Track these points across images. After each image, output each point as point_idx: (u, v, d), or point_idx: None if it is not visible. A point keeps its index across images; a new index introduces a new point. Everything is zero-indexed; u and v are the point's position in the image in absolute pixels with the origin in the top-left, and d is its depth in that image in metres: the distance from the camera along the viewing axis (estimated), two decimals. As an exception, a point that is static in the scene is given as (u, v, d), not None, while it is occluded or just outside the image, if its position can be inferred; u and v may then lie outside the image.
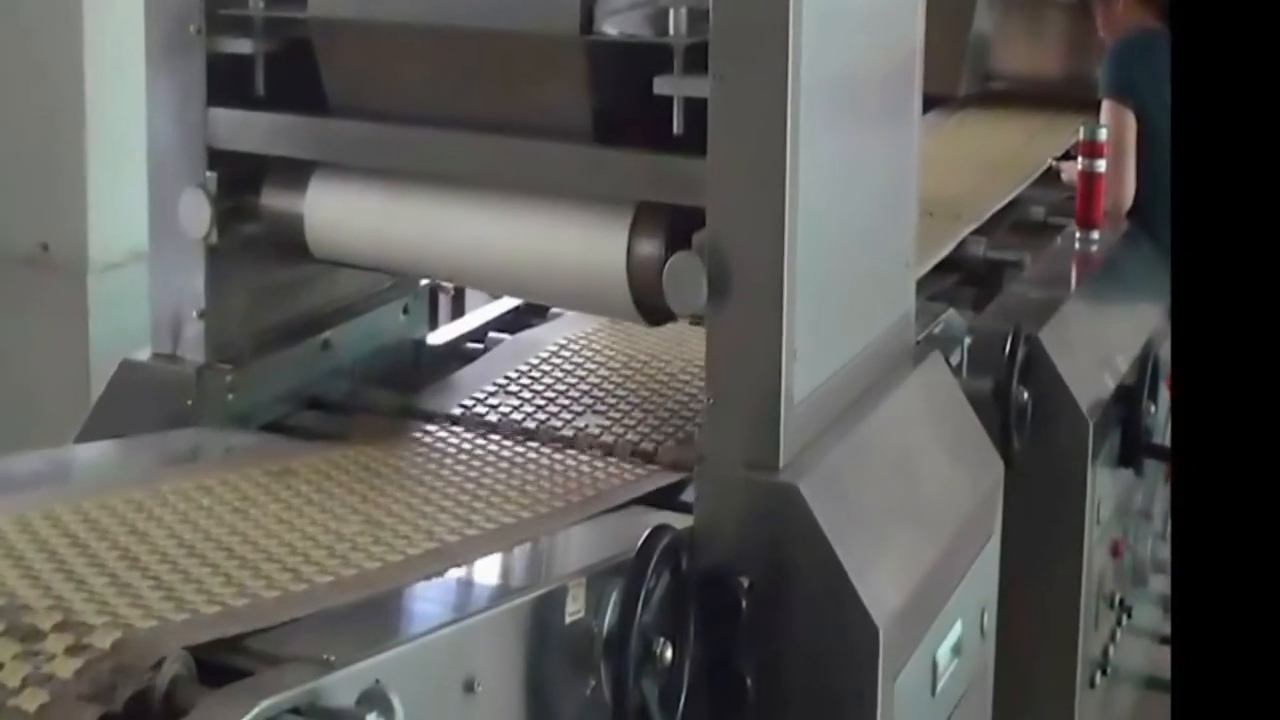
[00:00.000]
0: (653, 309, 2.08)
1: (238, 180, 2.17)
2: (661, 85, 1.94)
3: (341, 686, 1.39)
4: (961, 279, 3.07)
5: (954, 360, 2.52)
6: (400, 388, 2.35)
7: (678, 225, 1.99)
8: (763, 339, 1.90)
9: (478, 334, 2.61)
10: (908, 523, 2.06)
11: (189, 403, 2.13)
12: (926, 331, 2.49)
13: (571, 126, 2.03)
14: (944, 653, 2.05)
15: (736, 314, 1.91)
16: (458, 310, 2.86)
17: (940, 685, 2.03)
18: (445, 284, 2.61)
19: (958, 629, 2.10)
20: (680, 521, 1.87)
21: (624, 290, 2.06)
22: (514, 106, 2.06)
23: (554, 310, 2.68)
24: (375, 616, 1.62)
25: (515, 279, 2.20)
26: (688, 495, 2.02)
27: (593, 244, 2.06)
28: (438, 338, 2.57)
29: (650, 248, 2.02)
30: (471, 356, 2.52)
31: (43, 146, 3.09)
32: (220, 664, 1.43)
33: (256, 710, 1.31)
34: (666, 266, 1.94)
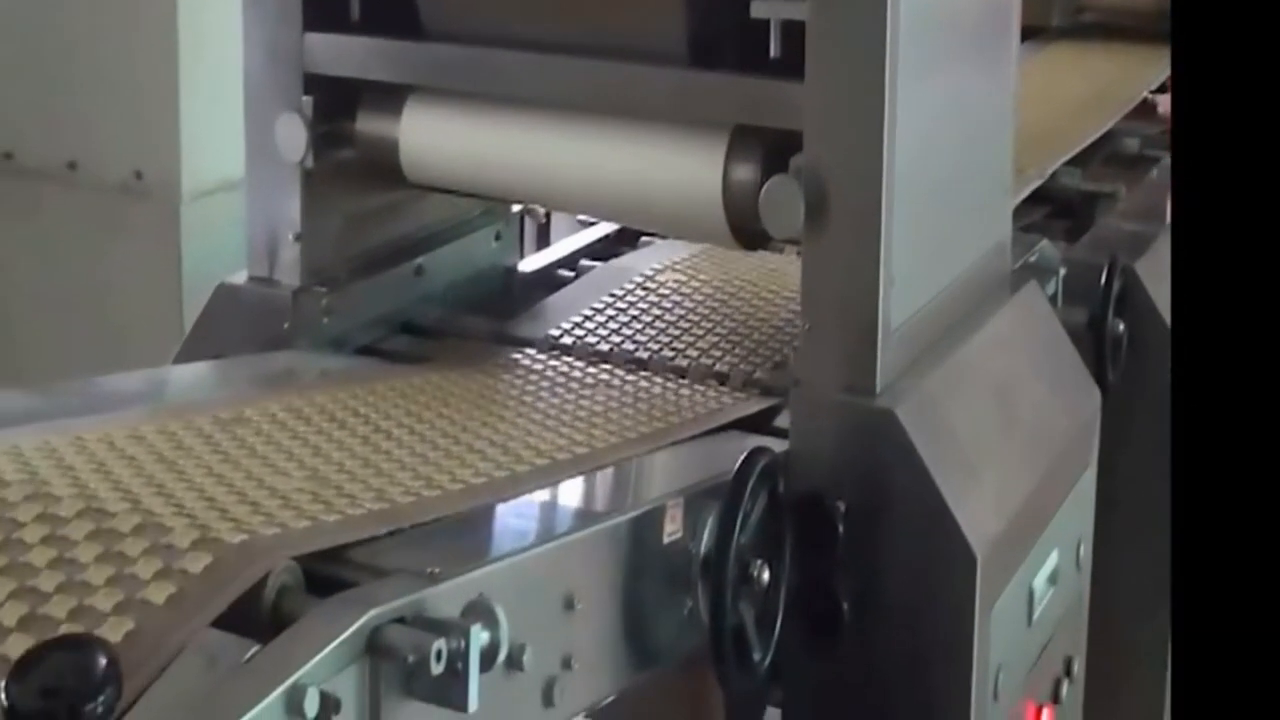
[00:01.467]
0: (748, 233, 2.06)
1: (333, 105, 2.17)
2: (759, 8, 1.92)
3: (446, 598, 1.40)
4: (1054, 211, 3.04)
5: (1048, 291, 2.49)
6: (491, 314, 2.35)
7: (774, 149, 1.97)
8: (860, 263, 1.89)
9: (568, 261, 2.60)
10: (1005, 450, 2.04)
11: (285, 325, 2.13)
12: (1021, 262, 2.46)
13: (667, 50, 2.01)
14: (1040, 582, 2.03)
15: (834, 238, 1.89)
16: (543, 240, 2.84)
17: (1036, 615, 2.02)
18: (537, 211, 2.59)
19: (1054, 559, 2.08)
20: (774, 447, 1.86)
21: (719, 214, 2.05)
22: (609, 30, 2.05)
23: (644, 238, 2.68)
24: (474, 533, 1.63)
25: (609, 203, 2.19)
26: (780, 421, 2.02)
27: (688, 168, 2.04)
28: (528, 265, 2.56)
29: (746, 172, 2.01)
30: (562, 284, 2.51)
31: (136, 76, 3.11)
32: (324, 576, 1.44)
33: (364, 619, 1.32)
34: (763, 190, 1.92)
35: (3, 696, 1.07)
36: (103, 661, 1.10)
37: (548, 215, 2.74)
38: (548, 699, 1.54)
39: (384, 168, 2.22)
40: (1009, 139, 2.29)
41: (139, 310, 3.02)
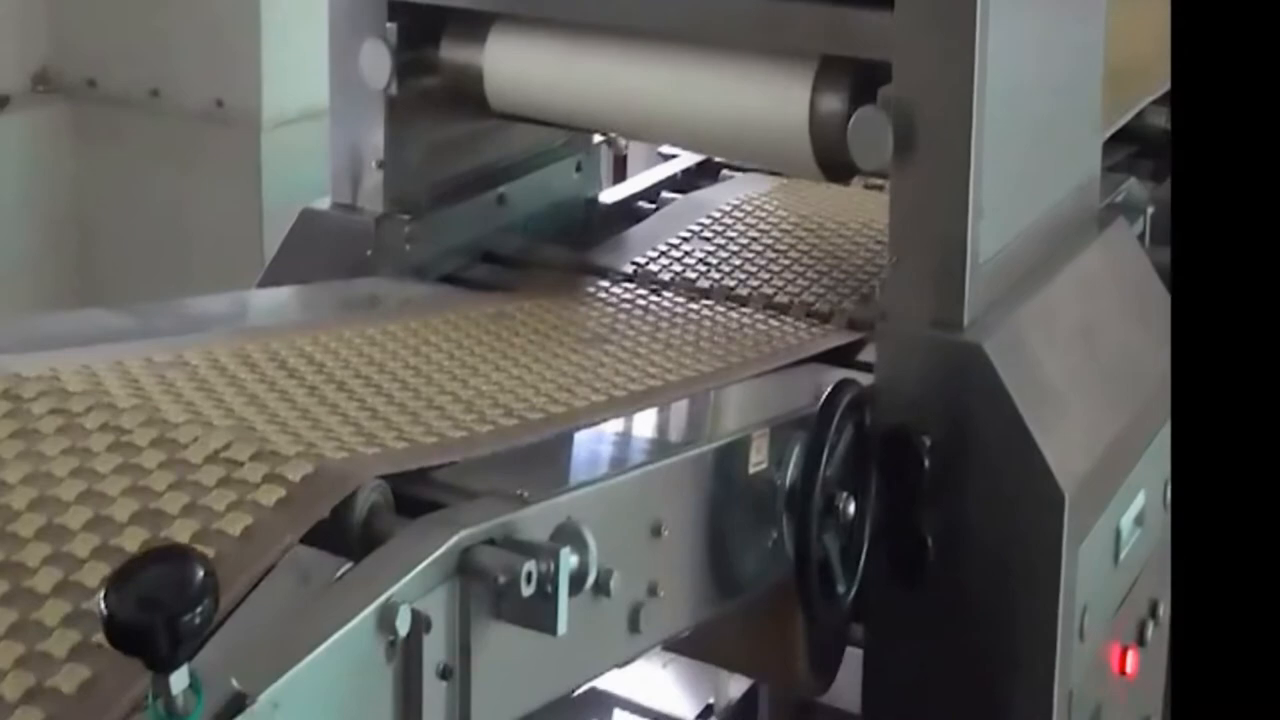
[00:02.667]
0: (834, 165, 2.04)
1: (417, 32, 2.16)
2: (848, -63, 1.89)
3: (535, 521, 1.39)
4: (1142, 149, 2.98)
5: (1136, 230, 2.46)
6: (572, 244, 2.35)
7: (862, 80, 1.94)
8: (949, 195, 1.86)
9: (649, 194, 2.59)
10: (1093, 389, 2.01)
11: (368, 252, 2.13)
12: (1109, 200, 2.42)
13: (756, -23, 1.99)
14: (1127, 522, 2.01)
15: (923, 170, 1.86)
16: (619, 174, 2.82)
17: (1123, 555, 1.99)
18: (618, 143, 2.57)
19: (1141, 499, 2.05)
20: (859, 381, 1.84)
21: (805, 146, 2.02)
22: (697, -44, 2.03)
23: (725, 172, 2.65)
24: (561, 459, 1.63)
25: (695, 133, 2.17)
26: (865, 355, 2.00)
27: (775, 98, 2.02)
28: (608, 197, 2.55)
29: (833, 102, 1.98)
30: (642, 216, 2.49)
31: (219, 4, 3.11)
32: (413, 496, 1.43)
33: (454, 540, 1.31)
34: (851, 121, 1.90)
35: (102, 606, 1.08)
36: (200, 574, 1.10)
37: (625, 148, 2.72)
38: (633, 625, 1.54)
39: (467, 96, 2.20)
40: (1098, 75, 2.25)
41: (219, 238, 3.04)
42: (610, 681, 2.40)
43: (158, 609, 1.07)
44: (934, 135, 1.85)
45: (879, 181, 2.47)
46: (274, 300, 2.06)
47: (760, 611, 1.88)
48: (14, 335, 1.73)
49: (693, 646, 2.12)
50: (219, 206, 3.08)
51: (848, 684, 2.16)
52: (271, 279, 2.12)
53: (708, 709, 2.86)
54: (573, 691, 1.55)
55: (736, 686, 2.84)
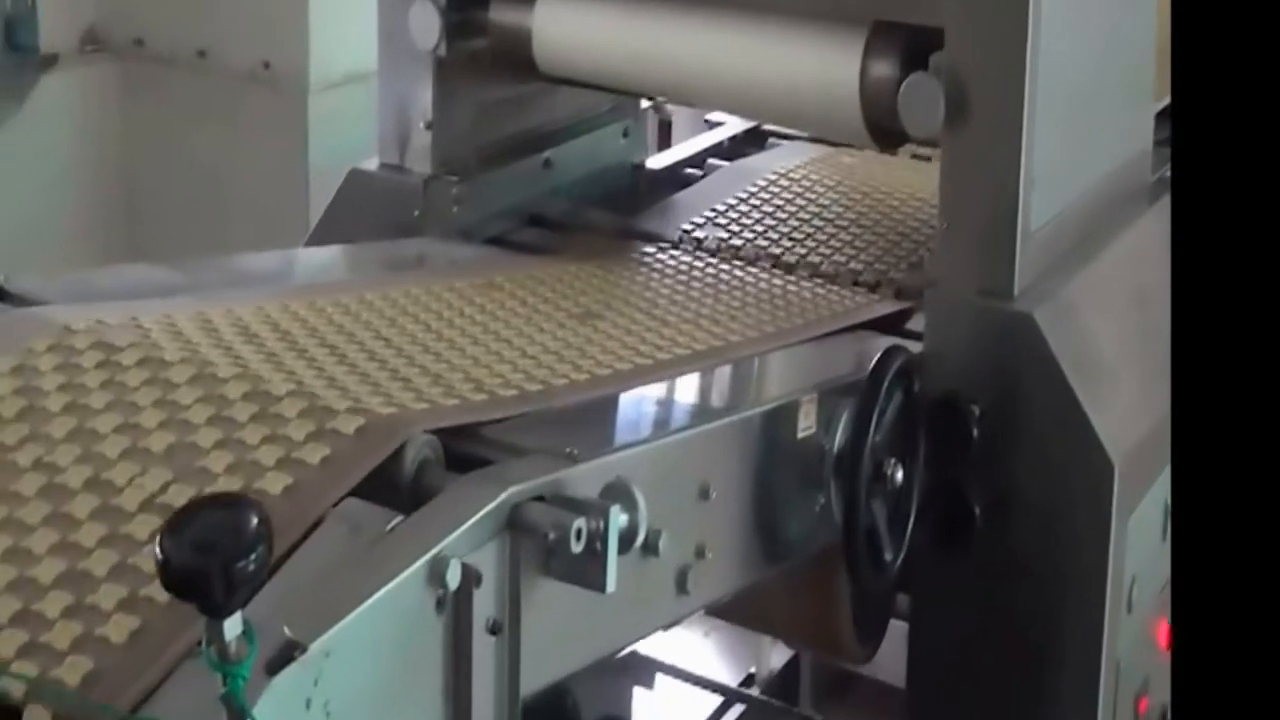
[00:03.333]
0: (884, 132, 2.02)
1: (467, -7, 2.16)
2: (900, -100, 1.88)
3: (584, 479, 1.39)
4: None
5: (1187, 203, 2.43)
6: (618, 209, 2.34)
7: (913, 46, 1.92)
8: (1001, 163, 1.84)
9: (696, 160, 2.58)
10: (1143, 361, 1.99)
11: (415, 213, 2.13)
12: (1161, 173, 2.40)
13: (808, -58, 1.98)
14: (1176, 497, 1.99)
15: (974, 137, 1.85)
16: (664, 141, 2.81)
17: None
18: (665, 108, 2.56)
19: (1190, 473, 2.03)
20: (908, 347, 1.83)
21: (855, 112, 2.01)
22: (750, -80, 2.01)
23: (771, 140, 2.64)
24: (610, 419, 1.62)
25: (744, 98, 2.16)
26: (914, 324, 1.99)
27: (825, 64, 2.01)
28: (656, 162, 2.54)
29: (884, 69, 1.96)
30: (689, 182, 2.48)
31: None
32: (463, 453, 1.43)
33: (504, 495, 1.31)
34: (902, 88, 1.88)
35: (158, 551, 1.07)
36: (254, 520, 1.10)
37: (671, 114, 2.71)
38: (681, 586, 1.53)
39: (516, 58, 2.20)
40: (1151, 47, 2.22)
41: (264, 198, 3.04)
42: (652, 648, 2.40)
43: (213, 554, 1.06)
44: (986, 102, 1.83)
45: (925, 152, 2.46)
46: (322, 258, 2.06)
47: (806, 579, 1.88)
48: (64, 289, 1.74)
49: (737, 613, 2.12)
50: (264, 167, 3.09)
51: (890, 657, 2.16)
52: (319, 238, 2.13)
53: (749, 678, 2.86)
54: (619, 652, 1.55)
55: (778, 656, 2.84)
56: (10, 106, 2.94)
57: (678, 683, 2.63)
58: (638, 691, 2.20)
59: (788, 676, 2.82)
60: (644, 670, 2.35)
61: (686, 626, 2.91)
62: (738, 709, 2.66)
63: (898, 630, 2.11)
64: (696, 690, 2.67)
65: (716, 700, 2.69)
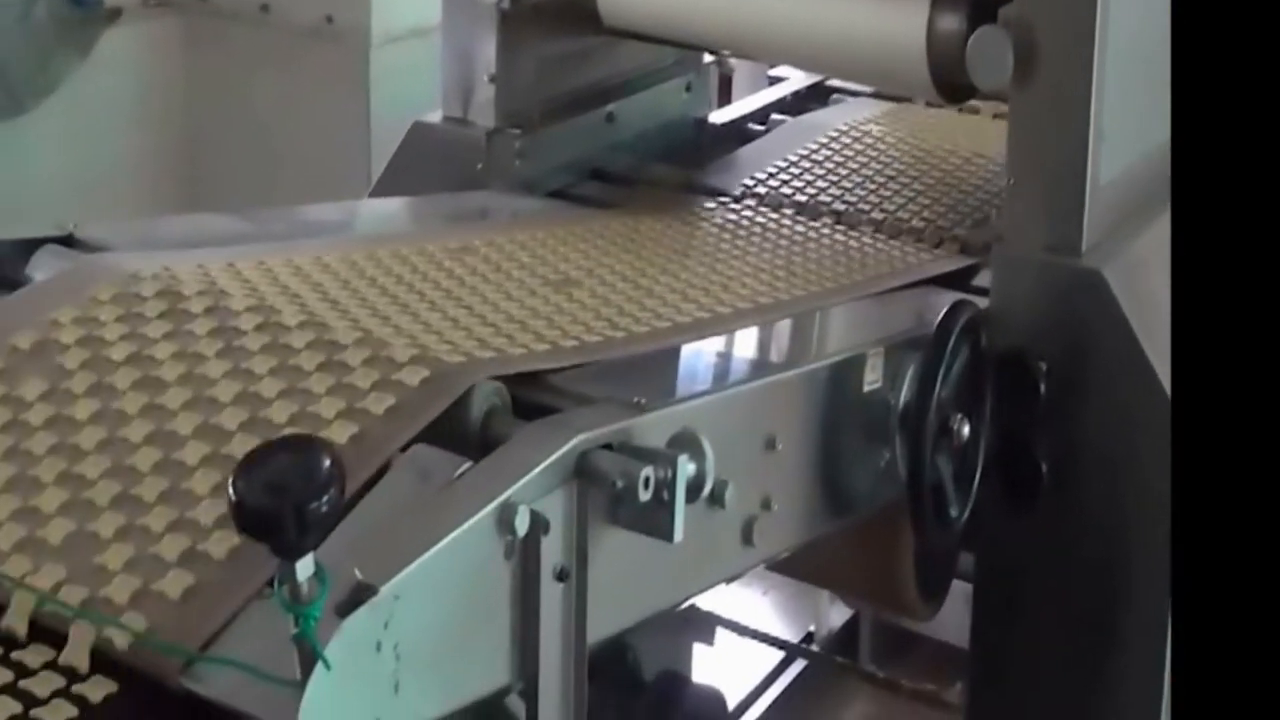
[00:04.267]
0: (951, 86, 2.00)
1: (531, -56, 2.15)
2: None
3: (652, 429, 1.38)
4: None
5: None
6: (681, 163, 2.33)
7: (981, -1, 1.91)
8: (1069, 117, 1.81)
9: (758, 115, 2.56)
10: (1212, 317, 1.97)
11: (478, 166, 2.13)
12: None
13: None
14: (1243, 454, 1.97)
15: (1043, 91, 1.82)
16: (724, 96, 2.78)
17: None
18: (727, 63, 2.54)
19: (1258, 433, 2.01)
20: (975, 302, 1.81)
21: (922, 66, 1.99)
22: None
23: (834, 96, 2.62)
24: (677, 369, 1.61)
25: (810, 52, 2.14)
26: (979, 280, 1.97)
27: (893, 17, 1.99)
28: (718, 117, 2.52)
29: (952, 22, 1.94)
30: (752, 137, 2.47)
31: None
32: (529, 401, 1.43)
33: (573, 443, 1.30)
34: (970, 41, 1.86)
35: (230, 492, 1.08)
36: (326, 463, 1.10)
37: (733, 69, 2.69)
38: (746, 538, 1.52)
39: (580, 11, 2.18)
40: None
41: (325, 152, 3.04)
42: (712, 604, 2.40)
43: (286, 496, 1.06)
44: (1055, 56, 1.80)
45: (978, 107, 2.44)
46: (384, 210, 2.06)
47: (870, 534, 1.87)
48: (130, 236, 1.74)
49: (799, 568, 2.11)
50: (326, 121, 3.09)
51: (949, 616, 2.15)
52: (382, 190, 2.13)
53: (808, 637, 2.86)
54: (684, 603, 1.54)
55: (837, 615, 2.84)
56: (75, 60, 2.95)
57: (737, 640, 2.63)
58: (698, 648, 2.20)
59: (847, 636, 2.82)
60: (704, 626, 2.35)
61: (745, 585, 2.93)
62: (799, 665, 2.66)
63: (957, 590, 2.10)
64: (757, 647, 2.67)
65: (776, 657, 2.68)
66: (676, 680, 1.91)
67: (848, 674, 2.72)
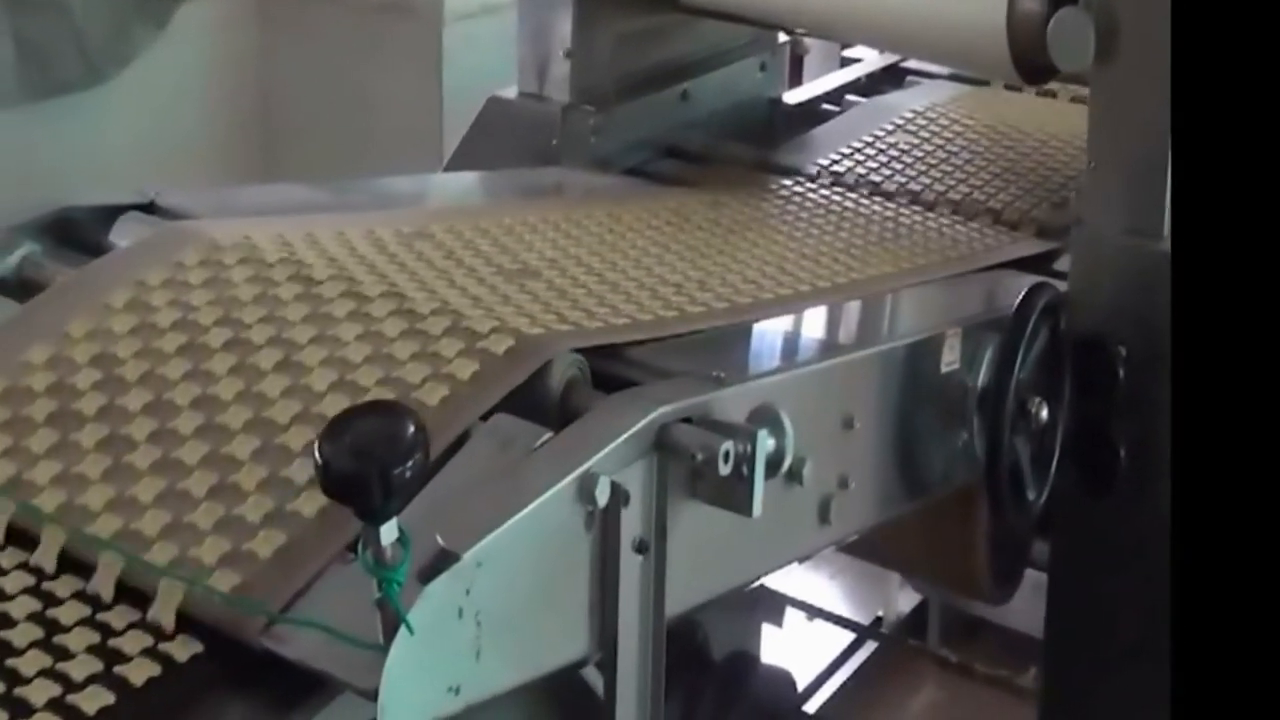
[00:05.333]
0: (1032, 67, 1.97)
1: (607, -80, 2.14)
2: None
3: (731, 403, 1.37)
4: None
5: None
6: (755, 142, 2.31)
7: (1063, -22, 1.88)
8: (1151, 99, 1.78)
9: (833, 96, 2.54)
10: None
11: (553, 142, 2.12)
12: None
13: None
14: (1324, 444, 1.94)
15: (1125, 72, 1.79)
16: (795, 77, 2.76)
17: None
18: (802, 42, 2.53)
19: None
20: (1055, 285, 1.79)
21: (1002, 46, 1.96)
22: None
23: (910, 78, 2.60)
24: (755, 345, 1.60)
25: (890, 32, 2.12)
26: (1059, 265, 1.95)
27: (973, -3, 1.97)
28: (792, 97, 2.51)
29: (1033, 3, 1.91)
30: (826, 118, 2.45)
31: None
32: (608, 374, 1.42)
33: (653, 415, 1.30)
34: (1051, 22, 1.83)
35: (315, 455, 1.08)
36: (411, 428, 1.10)
37: (808, 50, 2.67)
38: (823, 516, 1.51)
39: (655, -12, 2.18)
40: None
41: (398, 127, 3.05)
42: (779, 587, 2.39)
43: (371, 460, 1.06)
44: (1137, 36, 1.78)
45: (1055, 90, 2.42)
46: (459, 184, 2.06)
47: (944, 517, 1.86)
48: (210, 203, 1.75)
49: (872, 550, 2.10)
50: (399, 97, 3.09)
51: (1019, 605, 2.14)
52: (456, 165, 2.12)
53: (876, 621, 2.84)
54: (760, 579, 1.54)
55: (906, 600, 2.82)
56: (152, 32, 2.97)
57: (806, 623, 2.62)
58: (767, 629, 2.19)
59: (916, 621, 2.80)
60: (774, 607, 2.34)
61: (813, 569, 2.91)
62: (868, 649, 2.64)
63: (1027, 578, 2.09)
64: (825, 629, 2.65)
65: (845, 639, 2.67)
66: (746, 660, 1.91)
67: (918, 658, 2.70)
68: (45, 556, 1.27)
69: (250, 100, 3.25)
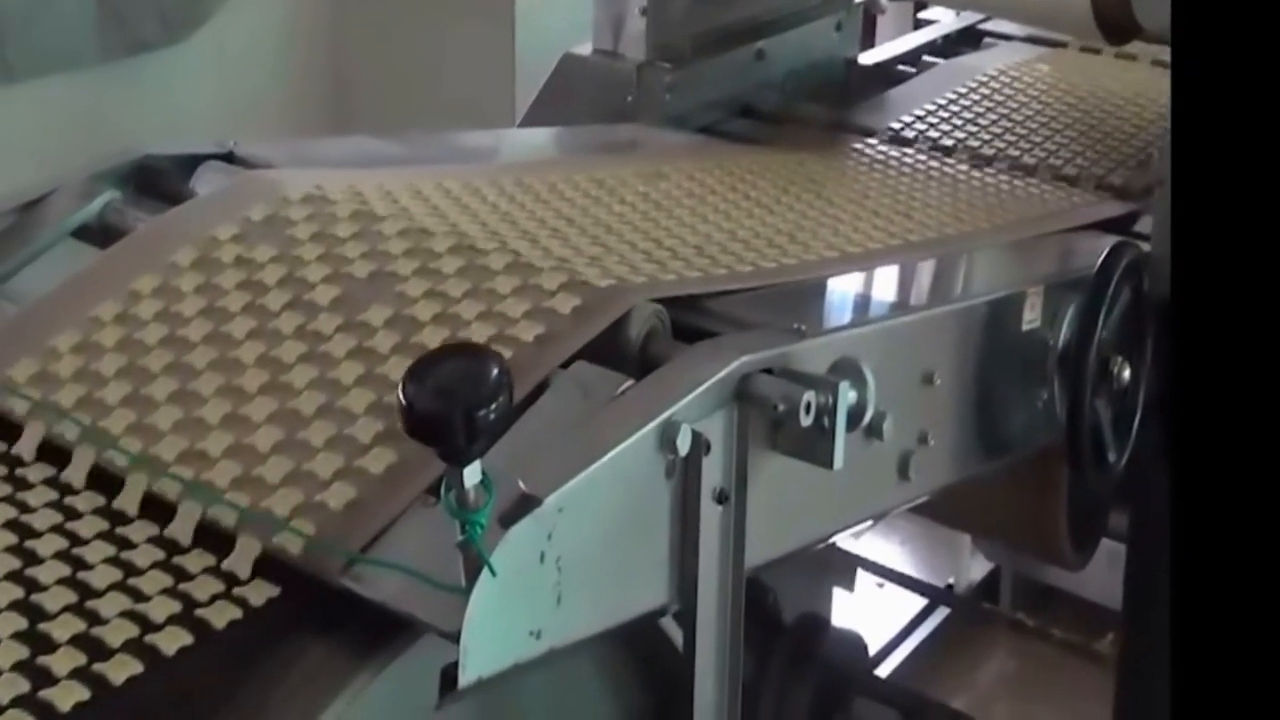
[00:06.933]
0: (1115, 26, 1.96)
1: (686, -125, 2.12)
2: None
3: (812, 355, 1.35)
4: None
5: None
6: (830, 103, 2.29)
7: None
8: (1240, 59, 1.76)
9: (909, 57, 2.51)
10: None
11: (628, 99, 2.10)
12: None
13: None
14: None
15: (1212, 31, 1.76)
16: (868, 39, 2.73)
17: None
18: (878, 2, 2.49)
19: None
20: (1137, 244, 1.76)
21: (1085, 4, 1.94)
22: None
23: (987, 40, 2.57)
24: (833, 299, 1.58)
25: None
26: (1139, 227, 1.92)
27: (1056, -46, 1.94)
28: (868, 58, 2.48)
29: (1117, -39, 1.89)
30: (902, 79, 2.42)
31: None
32: (688, 325, 1.41)
33: (735, 365, 1.28)
34: (1136, -21, 1.81)
35: (400, 396, 1.07)
36: (495, 370, 1.09)
37: (883, 10, 2.63)
38: (903, 472, 1.49)
39: (732, -55, 2.16)
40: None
41: (471, 86, 3.04)
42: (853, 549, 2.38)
43: (455, 401, 1.05)
44: (1225, -5, 1.75)
45: (1135, 54, 2.38)
46: (533, 139, 2.05)
47: (1023, 478, 1.83)
48: (288, 154, 1.75)
49: (947, 512, 2.08)
50: (472, 55, 3.09)
51: (1093, 574, 2.11)
52: (530, 121, 2.11)
53: (947, 589, 2.81)
54: (839, 534, 1.52)
55: (978, 568, 2.79)
56: (226, -6, 3.00)
57: (876, 590, 2.59)
58: (837, 593, 2.17)
59: (987, 588, 2.77)
60: (845, 570, 2.33)
61: (883, 535, 2.89)
62: (940, 614, 2.61)
63: (1101, 547, 2.06)
64: (897, 595, 2.63)
65: (916, 605, 2.64)
66: (817, 623, 1.89)
67: (991, 625, 2.67)
68: (127, 500, 1.27)
69: (323, 59, 3.26)
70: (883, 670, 2.51)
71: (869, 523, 1.87)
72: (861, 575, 2.50)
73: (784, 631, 1.85)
